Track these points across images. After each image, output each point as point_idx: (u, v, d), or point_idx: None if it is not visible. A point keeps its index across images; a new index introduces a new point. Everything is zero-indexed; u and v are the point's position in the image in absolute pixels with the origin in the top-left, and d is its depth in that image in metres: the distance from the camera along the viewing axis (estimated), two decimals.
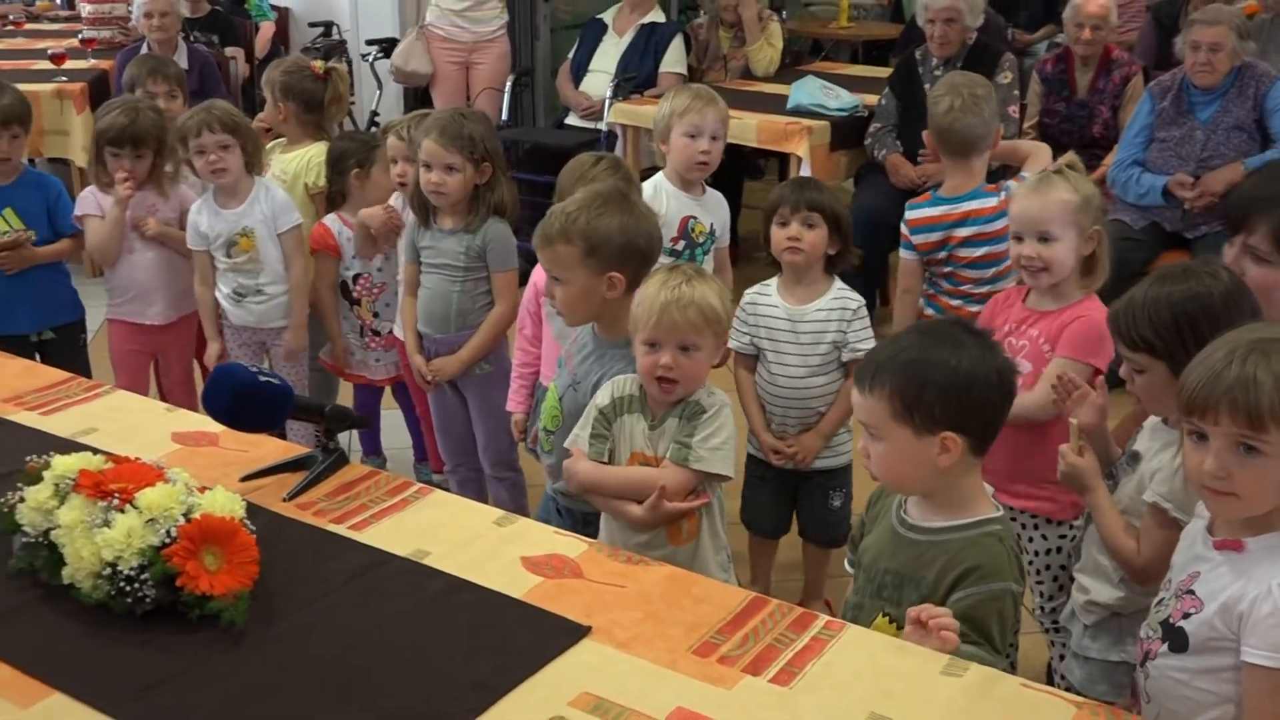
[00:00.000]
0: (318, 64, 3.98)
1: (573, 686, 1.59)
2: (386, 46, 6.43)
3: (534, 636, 1.69)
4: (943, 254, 3.46)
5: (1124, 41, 6.26)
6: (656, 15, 6.05)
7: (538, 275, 2.83)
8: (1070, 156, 2.73)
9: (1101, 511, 2.13)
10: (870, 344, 2.89)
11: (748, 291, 3.08)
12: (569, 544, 1.95)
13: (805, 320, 2.97)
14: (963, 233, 3.42)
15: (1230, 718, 1.69)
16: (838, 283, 3.02)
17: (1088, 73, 5.17)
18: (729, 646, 1.68)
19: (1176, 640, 1.72)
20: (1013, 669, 1.85)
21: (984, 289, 3.39)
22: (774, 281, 3.06)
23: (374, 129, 6.04)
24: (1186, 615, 1.71)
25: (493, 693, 1.56)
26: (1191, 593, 1.71)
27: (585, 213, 2.40)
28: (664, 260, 2.67)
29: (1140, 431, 2.20)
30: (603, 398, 2.33)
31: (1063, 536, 2.63)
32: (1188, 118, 4.54)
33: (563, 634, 1.69)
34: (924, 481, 1.87)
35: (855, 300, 2.99)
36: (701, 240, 3.41)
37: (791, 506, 3.20)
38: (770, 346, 3.02)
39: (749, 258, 5.34)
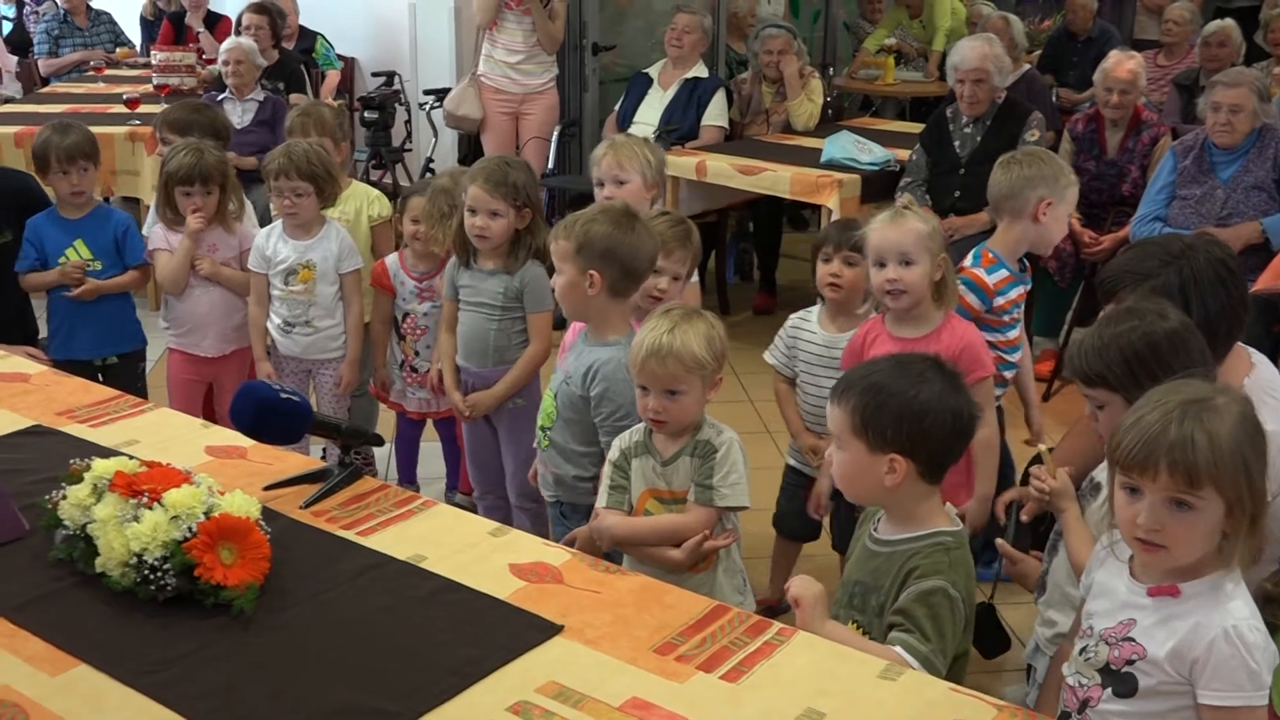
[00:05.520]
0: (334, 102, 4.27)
1: (541, 676, 1.76)
2: (443, 96, 6.64)
3: (511, 632, 1.86)
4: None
5: (1157, 103, 6.37)
6: (700, 70, 6.25)
7: (570, 336, 3.03)
8: (905, 198, 2.92)
9: (1072, 531, 2.24)
10: None
11: (792, 317, 3.34)
12: (554, 554, 2.13)
13: (840, 347, 3.15)
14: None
15: None
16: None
17: (1118, 133, 5.25)
18: (688, 647, 1.84)
19: (1123, 685, 1.77)
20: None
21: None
22: (815, 310, 3.30)
23: (429, 174, 6.27)
24: (1130, 661, 1.76)
25: (466, 678, 1.74)
26: (1131, 639, 1.77)
27: (585, 220, 2.72)
28: None
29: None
30: (613, 453, 2.54)
31: None
32: (1209, 176, 4.65)
33: (537, 631, 1.86)
34: (874, 494, 2.04)
35: None
36: None
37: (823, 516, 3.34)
38: (807, 370, 3.24)
39: (785, 305, 5.48)
